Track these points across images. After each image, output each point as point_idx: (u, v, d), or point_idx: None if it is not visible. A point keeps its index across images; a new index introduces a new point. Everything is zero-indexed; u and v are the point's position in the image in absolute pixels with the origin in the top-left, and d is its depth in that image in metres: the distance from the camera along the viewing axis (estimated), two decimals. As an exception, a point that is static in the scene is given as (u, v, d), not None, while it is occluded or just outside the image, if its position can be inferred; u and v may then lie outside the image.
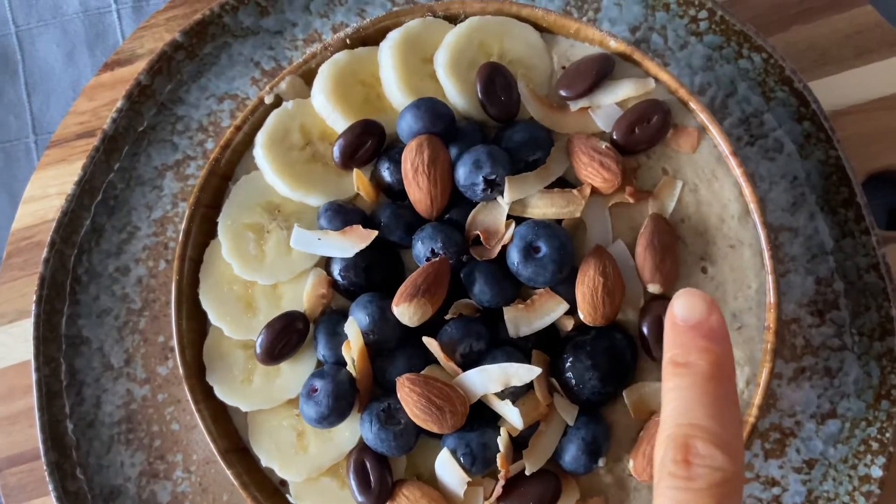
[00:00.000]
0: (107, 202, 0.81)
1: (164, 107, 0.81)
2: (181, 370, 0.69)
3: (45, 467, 0.77)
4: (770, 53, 0.78)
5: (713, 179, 0.67)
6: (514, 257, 0.64)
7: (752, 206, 0.66)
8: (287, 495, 0.68)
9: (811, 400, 0.78)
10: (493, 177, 0.64)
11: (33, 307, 0.78)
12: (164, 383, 0.80)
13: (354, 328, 0.64)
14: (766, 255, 0.66)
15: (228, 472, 0.67)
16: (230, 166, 0.72)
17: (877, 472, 0.75)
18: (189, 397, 0.68)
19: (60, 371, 0.79)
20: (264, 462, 0.68)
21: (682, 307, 0.55)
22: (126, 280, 0.81)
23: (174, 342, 0.69)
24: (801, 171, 0.79)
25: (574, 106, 0.69)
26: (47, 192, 0.84)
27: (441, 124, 0.66)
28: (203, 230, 0.71)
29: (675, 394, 0.53)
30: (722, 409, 0.52)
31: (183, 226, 0.70)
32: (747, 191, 0.66)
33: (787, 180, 0.79)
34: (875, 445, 0.76)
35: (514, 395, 0.64)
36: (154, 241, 0.81)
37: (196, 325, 0.71)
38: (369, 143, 0.68)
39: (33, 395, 0.78)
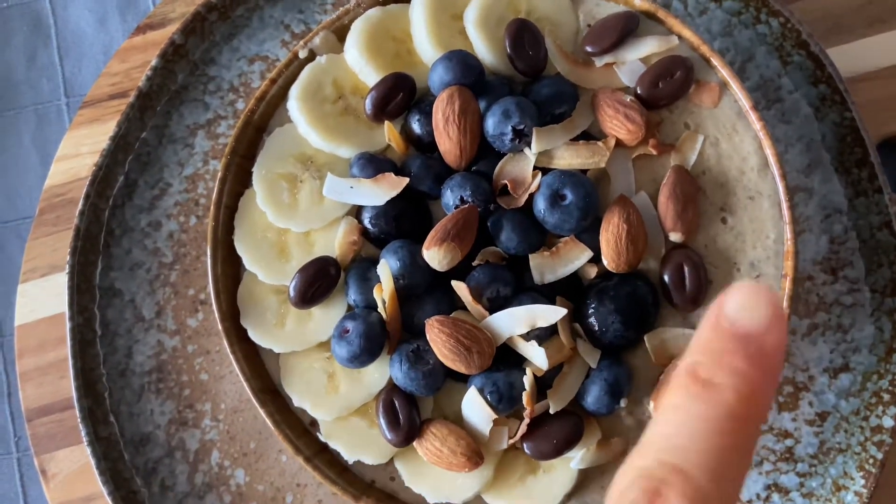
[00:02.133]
0: (140, 158, 0.83)
1: (196, 67, 0.84)
2: (216, 313, 0.71)
3: (78, 413, 0.79)
4: (787, 18, 0.80)
5: (734, 133, 0.70)
6: (541, 205, 0.67)
7: (772, 159, 0.68)
8: (318, 434, 0.70)
9: (824, 355, 0.79)
10: (522, 126, 0.67)
11: (68, 258, 0.80)
12: (194, 335, 0.83)
13: (386, 271, 0.67)
14: (785, 205, 0.68)
15: (261, 411, 0.69)
16: (264, 118, 0.74)
17: (888, 422, 0.77)
18: (224, 340, 0.70)
19: (94, 321, 0.81)
20: (296, 402, 0.70)
21: (738, 306, 0.41)
22: (158, 235, 0.83)
23: (209, 287, 0.71)
24: (816, 133, 0.80)
25: (599, 62, 0.71)
26: (80, 150, 0.87)
27: (471, 76, 0.68)
28: (238, 180, 0.73)
29: (676, 416, 0.41)
30: (728, 464, 0.39)
31: (219, 174, 0.72)
32: (766, 144, 0.68)
33: (802, 143, 0.80)
34: (886, 397, 0.77)
35: (539, 338, 0.66)
36: (185, 198, 0.84)
37: (230, 271, 0.73)
38: (400, 95, 0.70)
39: (67, 344, 0.80)
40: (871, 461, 0.77)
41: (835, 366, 0.79)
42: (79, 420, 0.80)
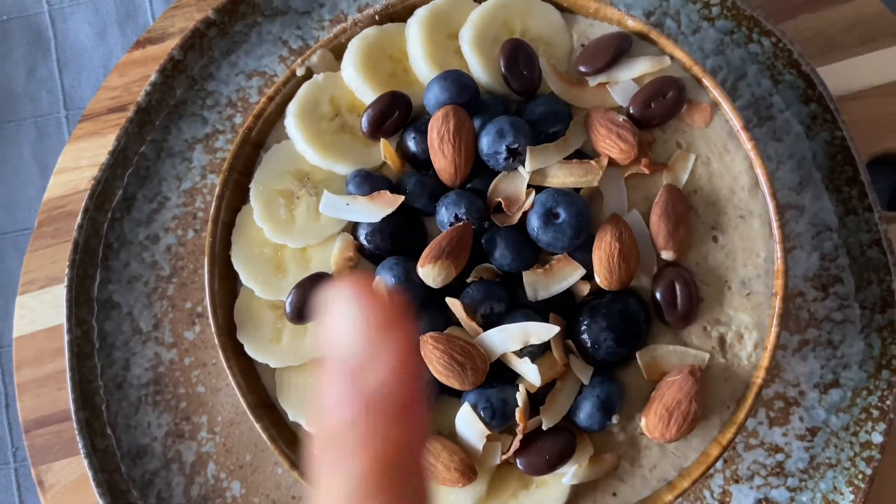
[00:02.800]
0: (138, 172, 0.84)
1: (194, 82, 0.85)
2: (213, 328, 0.72)
3: (75, 425, 0.80)
4: (779, 38, 0.81)
5: (724, 153, 0.71)
6: (534, 223, 0.68)
7: (762, 179, 0.69)
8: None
9: (814, 370, 0.80)
10: (516, 146, 0.67)
11: (67, 271, 0.82)
12: (191, 347, 0.83)
13: (383, 288, 0.67)
14: (775, 224, 0.69)
15: (257, 426, 0.70)
16: (261, 135, 0.75)
17: (877, 438, 0.78)
18: (220, 354, 0.71)
19: (92, 333, 0.82)
20: (291, 416, 0.71)
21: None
22: (156, 248, 0.84)
23: (206, 301, 0.72)
24: (807, 151, 0.82)
25: (592, 81, 0.72)
26: (79, 163, 0.88)
27: (466, 95, 0.69)
28: (235, 195, 0.74)
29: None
30: None
31: (217, 190, 0.73)
32: (757, 164, 0.69)
33: (793, 160, 0.82)
34: (876, 413, 0.78)
35: (532, 354, 0.67)
36: (183, 211, 0.85)
37: (227, 286, 0.74)
38: (396, 113, 0.71)
39: (65, 356, 0.81)
40: (860, 476, 0.78)
41: (825, 381, 0.80)
42: (76, 432, 0.80)
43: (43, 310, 0.87)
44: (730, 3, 0.82)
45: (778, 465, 0.79)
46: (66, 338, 0.81)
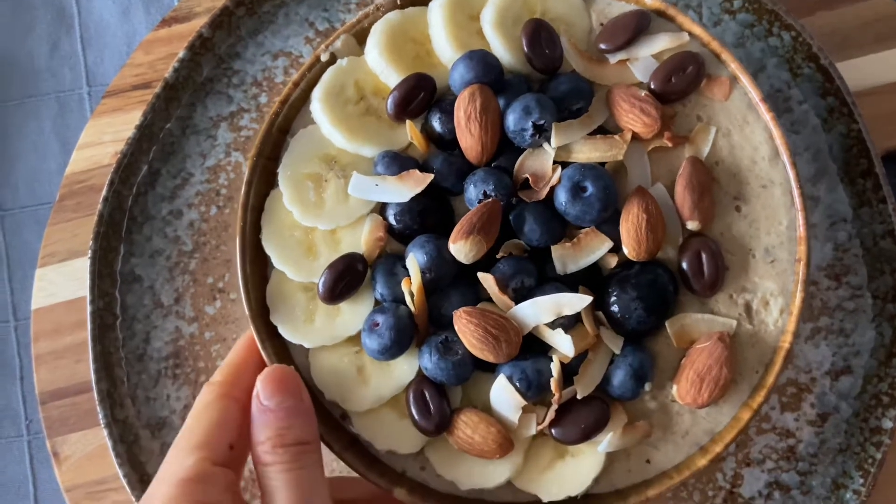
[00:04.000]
0: (164, 148, 0.87)
1: (221, 60, 0.88)
2: (247, 312, 0.73)
3: (95, 395, 0.82)
4: (799, 32, 0.84)
5: (744, 125, 0.72)
6: (562, 197, 0.69)
7: (782, 148, 0.71)
8: (349, 427, 0.72)
9: (826, 358, 0.83)
10: (542, 122, 0.69)
11: (91, 243, 0.84)
12: (212, 322, 0.86)
13: (415, 265, 0.69)
14: (796, 192, 0.71)
15: (294, 405, 0.71)
16: (287, 121, 0.76)
17: (887, 424, 0.81)
18: (255, 337, 0.72)
19: (115, 305, 0.85)
20: (328, 396, 0.72)
21: (267, 394, 0.65)
22: (178, 223, 0.86)
23: (240, 286, 0.73)
24: (823, 143, 0.85)
25: (613, 59, 0.74)
26: (102, 139, 0.90)
27: (491, 74, 0.71)
28: (264, 181, 0.75)
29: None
30: None
31: (245, 176, 0.74)
32: (776, 134, 0.71)
33: (810, 152, 0.85)
34: (886, 400, 0.81)
35: (564, 326, 0.69)
36: (206, 188, 0.87)
37: (257, 270, 0.75)
38: (421, 95, 0.73)
39: (87, 327, 0.83)
40: (869, 461, 0.81)
41: (836, 368, 0.83)
42: (97, 402, 0.82)
43: (62, 283, 0.89)
44: None
45: (789, 450, 0.82)
46: (88, 309, 0.83)
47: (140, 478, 0.81)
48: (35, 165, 0.96)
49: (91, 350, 0.82)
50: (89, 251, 0.83)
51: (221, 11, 0.85)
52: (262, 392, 0.66)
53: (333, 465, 0.81)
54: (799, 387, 0.83)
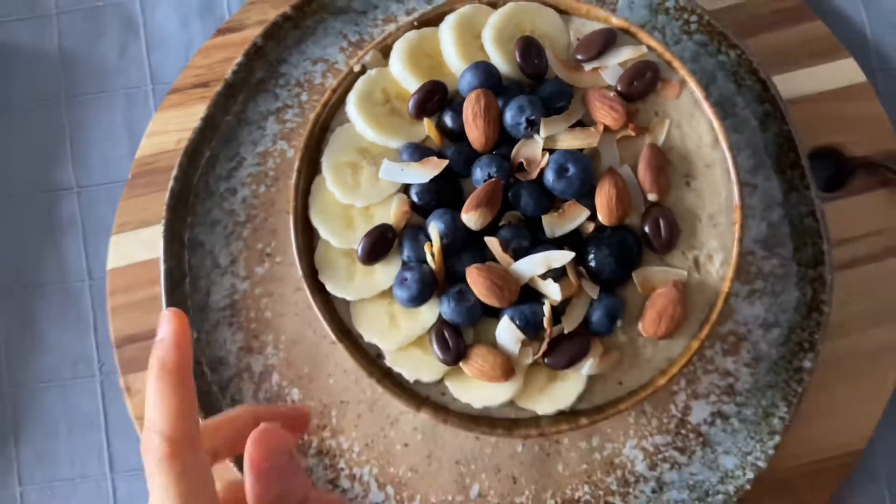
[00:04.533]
0: (222, 136, 1.01)
1: (271, 65, 1.03)
2: (300, 273, 0.88)
3: None
4: (743, 50, 0.99)
5: (691, 118, 0.90)
6: (550, 177, 0.86)
7: (720, 136, 0.89)
8: (384, 362, 0.89)
9: (759, 314, 0.97)
10: (533, 118, 0.86)
11: (164, 213, 0.98)
12: (261, 281, 1.00)
13: (435, 232, 0.86)
14: (732, 170, 0.88)
15: (341, 346, 0.87)
16: (327, 120, 0.93)
17: (807, 364, 0.95)
18: (308, 293, 0.88)
19: (184, 265, 0.99)
20: (367, 338, 0.88)
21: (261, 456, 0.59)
22: (234, 199, 1.01)
23: (294, 253, 0.87)
24: (760, 141, 0.99)
25: (588, 67, 0.91)
26: (167, 128, 1.05)
27: (492, 81, 0.88)
28: (310, 168, 0.92)
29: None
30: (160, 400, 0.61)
31: (296, 165, 0.90)
32: (716, 125, 0.89)
33: (750, 149, 1.00)
34: (806, 346, 0.95)
35: (553, 278, 0.86)
36: (257, 170, 1.02)
37: (306, 241, 0.91)
38: (436, 98, 0.89)
39: (160, 283, 0.97)
40: (793, 394, 0.95)
41: (768, 322, 0.97)
42: None
43: (135, 246, 1.04)
44: (705, 20, 1.00)
45: (729, 387, 0.96)
46: (161, 267, 0.97)
47: (203, 405, 0.96)
48: (107, 150, 1.10)
49: (164, 301, 0.97)
50: (162, 220, 0.98)
51: (272, 25, 1.01)
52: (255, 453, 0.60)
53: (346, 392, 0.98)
54: (738, 336, 0.97)
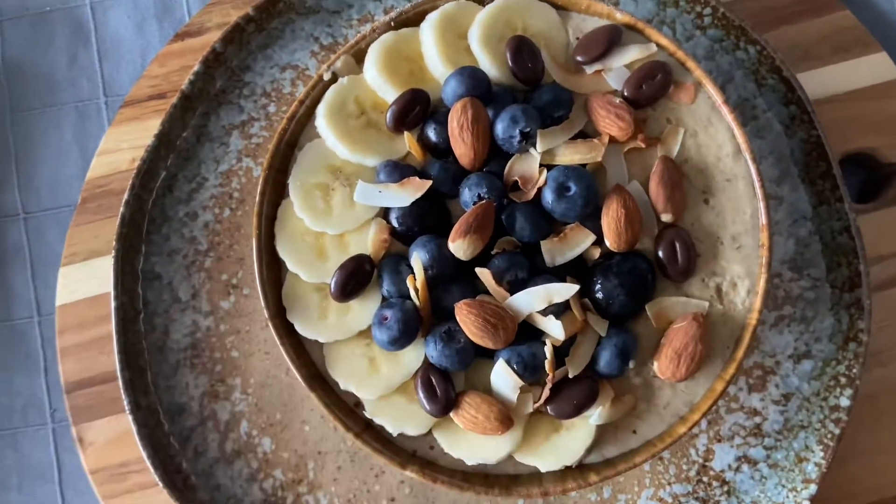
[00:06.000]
0: (180, 154, 0.93)
1: (233, 73, 0.94)
2: (265, 312, 0.79)
3: (121, 384, 0.88)
4: (763, 46, 0.91)
5: (709, 125, 0.80)
6: (549, 197, 0.77)
7: (743, 146, 0.79)
8: (362, 413, 0.79)
9: (789, 343, 0.90)
10: (528, 129, 0.76)
11: (114, 243, 0.90)
12: (226, 316, 0.92)
13: (418, 263, 0.76)
14: (757, 184, 0.78)
15: (312, 396, 0.78)
16: (294, 135, 0.83)
17: (845, 402, 0.88)
18: (273, 334, 0.79)
19: (137, 301, 0.91)
20: (343, 385, 0.79)
21: None
22: (194, 224, 0.93)
23: (258, 289, 0.80)
24: (786, 148, 0.92)
25: (589, 69, 0.81)
26: (120, 146, 0.97)
27: (481, 88, 0.78)
28: (275, 191, 0.82)
29: None
30: None
31: (259, 188, 0.81)
32: (738, 132, 0.79)
33: (774, 156, 0.91)
34: (843, 380, 0.88)
35: (555, 313, 0.76)
36: (220, 191, 0.94)
37: (272, 274, 0.81)
38: (417, 108, 0.80)
39: (112, 321, 0.89)
40: (829, 436, 0.87)
41: (798, 353, 0.90)
42: (121, 390, 0.88)
43: (85, 280, 0.96)
44: (720, 13, 0.91)
45: (756, 427, 0.89)
46: (112, 304, 0.89)
47: (163, 459, 0.88)
48: (56, 171, 1.02)
49: (115, 342, 0.88)
50: (113, 251, 0.89)
51: (233, 28, 0.91)
52: None
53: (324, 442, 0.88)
54: (764, 370, 0.89)
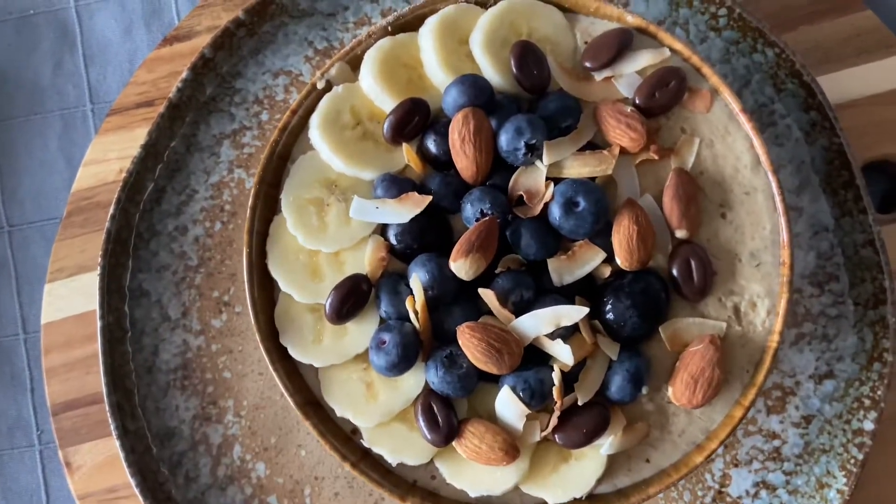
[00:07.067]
0: (168, 166, 0.89)
1: (223, 79, 0.90)
2: (257, 335, 0.75)
3: (107, 407, 0.85)
4: (782, 49, 0.87)
5: (726, 135, 0.76)
6: (556, 212, 0.72)
7: (763, 157, 0.75)
8: (360, 441, 0.75)
9: (810, 362, 0.86)
10: (534, 141, 0.72)
11: (100, 260, 0.86)
12: (218, 335, 0.88)
13: (418, 283, 0.72)
14: (778, 198, 0.74)
15: (307, 423, 0.74)
16: (287, 147, 0.79)
17: (869, 426, 0.84)
18: (266, 358, 0.75)
19: (124, 320, 0.87)
20: (339, 412, 0.75)
21: None
22: (184, 239, 0.89)
23: (249, 310, 0.76)
24: (806, 156, 0.87)
25: (598, 76, 0.77)
26: (107, 156, 0.93)
27: (483, 97, 0.74)
28: (267, 207, 0.78)
29: None
30: None
31: (249, 203, 0.77)
32: (757, 142, 0.75)
33: (793, 165, 0.87)
34: (867, 402, 0.84)
35: (563, 336, 0.72)
36: (211, 204, 0.90)
37: (265, 294, 0.77)
38: (416, 119, 0.76)
39: (98, 342, 0.85)
40: (852, 461, 0.84)
41: (820, 373, 0.86)
42: (108, 414, 0.85)
43: (71, 297, 0.92)
44: (736, 14, 0.87)
45: (775, 451, 0.85)
46: (98, 324, 0.85)
47: (152, 486, 0.84)
48: (41, 182, 0.98)
49: (102, 363, 0.85)
50: (98, 268, 0.85)
51: (223, 32, 0.87)
52: None
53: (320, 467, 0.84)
54: (784, 390, 0.85)
